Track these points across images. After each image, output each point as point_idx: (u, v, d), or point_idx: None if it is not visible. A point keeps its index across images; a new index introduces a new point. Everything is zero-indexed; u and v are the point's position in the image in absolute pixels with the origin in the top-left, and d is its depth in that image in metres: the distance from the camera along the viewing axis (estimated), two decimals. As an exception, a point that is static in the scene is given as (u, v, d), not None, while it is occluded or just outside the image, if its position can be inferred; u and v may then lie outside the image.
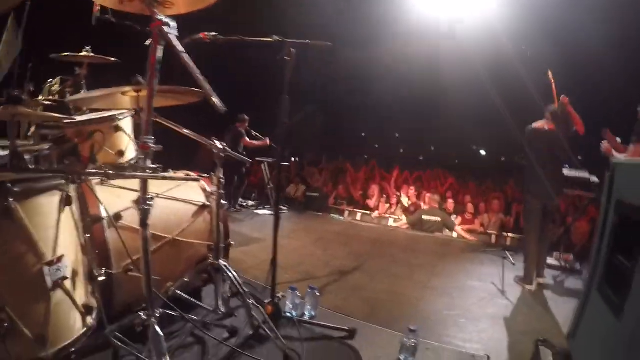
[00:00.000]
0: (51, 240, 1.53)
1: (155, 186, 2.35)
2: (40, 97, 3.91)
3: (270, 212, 7.16)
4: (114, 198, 2.15)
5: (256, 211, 7.22)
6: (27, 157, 2.16)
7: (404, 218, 7.26)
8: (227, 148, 2.44)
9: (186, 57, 1.52)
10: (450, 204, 7.28)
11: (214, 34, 2.20)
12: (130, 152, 2.60)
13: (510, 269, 4.86)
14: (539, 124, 4.48)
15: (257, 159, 7.48)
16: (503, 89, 11.15)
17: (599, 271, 1.95)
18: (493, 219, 7.01)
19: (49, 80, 4.47)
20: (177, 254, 2.38)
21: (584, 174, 5.50)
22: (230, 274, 2.35)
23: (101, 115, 2.38)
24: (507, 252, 5.48)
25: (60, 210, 1.59)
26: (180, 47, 1.53)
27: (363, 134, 15.49)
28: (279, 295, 2.61)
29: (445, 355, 2.44)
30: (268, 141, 7.20)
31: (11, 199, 1.36)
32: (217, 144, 2.33)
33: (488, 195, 7.98)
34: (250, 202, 7.54)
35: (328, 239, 5.87)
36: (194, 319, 2.20)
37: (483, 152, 15.09)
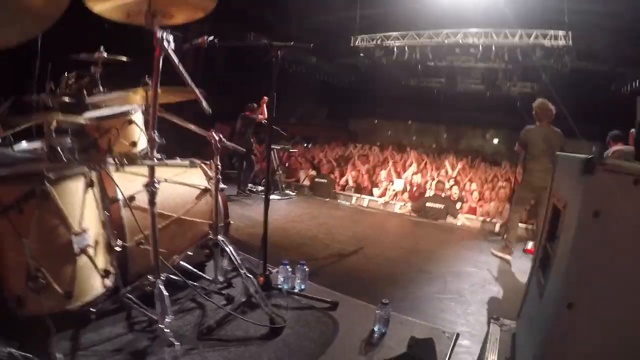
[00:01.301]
0: (78, 216, 1.96)
1: (163, 172, 2.78)
2: (58, 90, 4.39)
3: (279, 197, 7.60)
4: (128, 182, 2.58)
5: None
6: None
7: (409, 204, 7.58)
8: (224, 139, 2.80)
9: (181, 67, 1.92)
10: (454, 191, 7.53)
11: (211, 38, 2.58)
12: (142, 142, 3.01)
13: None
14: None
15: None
16: (517, 76, 11.25)
17: (537, 258, 2.23)
18: (499, 207, 7.25)
19: (65, 74, 4.99)
20: (182, 231, 2.82)
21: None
22: (227, 249, 2.76)
23: (115, 112, 2.79)
24: (508, 241, 5.77)
25: (85, 192, 2.02)
26: (176, 60, 1.92)
27: (375, 122, 15.79)
28: (271, 269, 3.03)
29: (416, 328, 2.72)
30: (266, 98, 7.27)
31: (47, 184, 1.80)
32: (214, 135, 2.71)
33: (495, 183, 8.19)
34: (260, 188, 7.92)
35: (332, 223, 6.22)
36: (194, 285, 2.63)
37: (496, 140, 15.19)
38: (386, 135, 15.22)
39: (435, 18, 9.70)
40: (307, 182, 8.93)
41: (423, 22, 9.90)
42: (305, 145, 11.32)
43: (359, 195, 8.34)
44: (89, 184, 2.03)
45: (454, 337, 2.68)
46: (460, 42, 9.59)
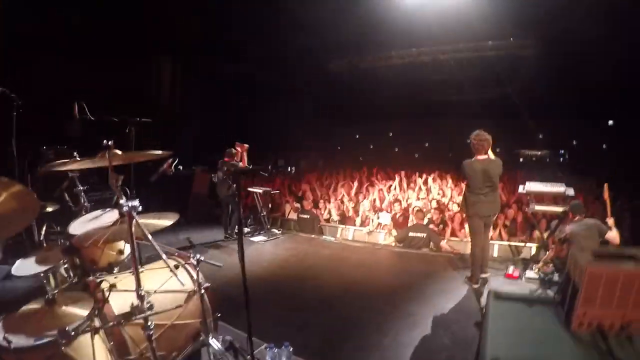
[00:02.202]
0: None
1: (151, 283, 3.31)
2: (39, 168, 4.93)
3: (265, 238, 8.14)
4: (122, 300, 3.09)
5: (251, 238, 8.18)
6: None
7: (393, 232, 8.12)
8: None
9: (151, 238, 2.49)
10: (434, 216, 8.11)
11: (175, 163, 3.11)
12: (128, 249, 3.53)
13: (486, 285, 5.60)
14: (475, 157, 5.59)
15: (249, 189, 8.48)
16: (497, 81, 11.84)
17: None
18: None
19: (44, 148, 5.52)
20: (177, 333, 3.34)
21: (559, 188, 6.25)
22: (216, 347, 3.31)
23: (100, 227, 3.30)
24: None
25: (92, 338, 2.55)
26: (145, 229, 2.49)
27: (357, 136, 16.36)
28: (258, 355, 3.59)
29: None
30: (246, 146, 7.90)
31: (63, 348, 2.33)
32: (192, 259, 3.26)
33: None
34: (246, 229, 8.42)
35: (319, 265, 6.80)
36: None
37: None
38: (368, 150, 15.80)
39: (409, 36, 10.15)
40: (292, 215, 9.44)
41: (398, 41, 10.37)
42: (289, 169, 11.82)
43: (343, 226, 8.87)
44: (95, 332, 2.57)
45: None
46: (433, 58, 10.18)
